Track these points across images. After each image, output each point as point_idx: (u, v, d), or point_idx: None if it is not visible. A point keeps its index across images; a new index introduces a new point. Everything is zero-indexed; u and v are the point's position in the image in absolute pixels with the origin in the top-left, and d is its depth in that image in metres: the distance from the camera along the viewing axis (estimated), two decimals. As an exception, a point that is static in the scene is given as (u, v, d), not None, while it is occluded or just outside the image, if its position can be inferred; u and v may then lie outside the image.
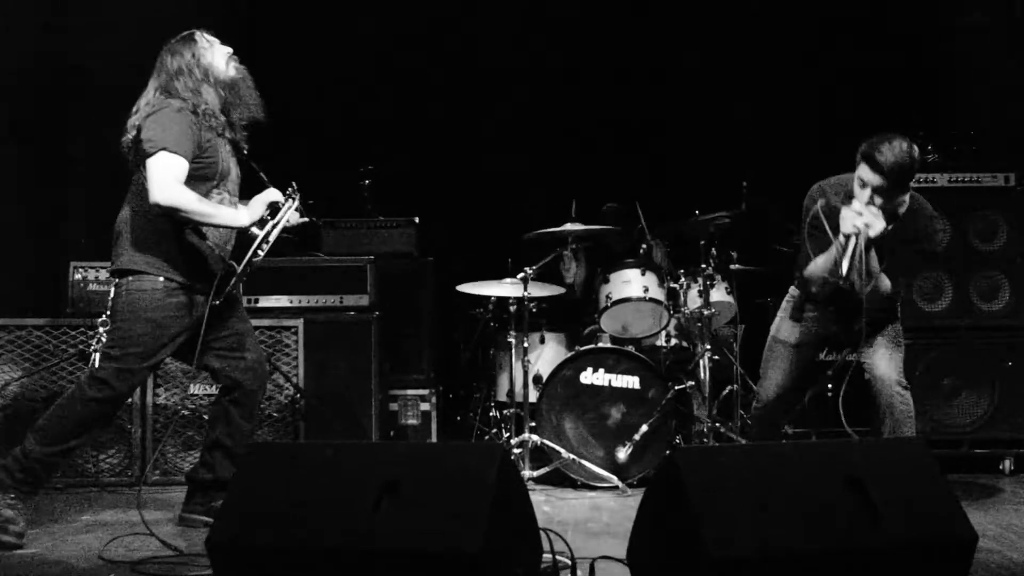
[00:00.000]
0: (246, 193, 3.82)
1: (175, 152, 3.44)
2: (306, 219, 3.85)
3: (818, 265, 3.82)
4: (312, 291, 5.06)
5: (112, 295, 3.62)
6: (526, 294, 4.91)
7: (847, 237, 3.63)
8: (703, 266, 5.09)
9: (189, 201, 3.45)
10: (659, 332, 5.14)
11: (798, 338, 4.01)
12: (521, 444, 4.77)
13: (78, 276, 4.81)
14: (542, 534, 2.83)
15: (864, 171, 3.66)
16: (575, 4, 6.62)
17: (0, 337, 4.68)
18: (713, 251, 5.17)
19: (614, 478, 4.63)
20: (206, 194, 3.57)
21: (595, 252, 5.90)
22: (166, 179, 3.42)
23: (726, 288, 5.24)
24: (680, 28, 6.52)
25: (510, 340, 5.03)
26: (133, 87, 3.74)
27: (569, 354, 4.95)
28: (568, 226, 5.05)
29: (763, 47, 6.40)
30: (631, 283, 5.05)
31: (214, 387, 3.88)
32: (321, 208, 4.94)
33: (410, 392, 5.44)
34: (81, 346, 4.63)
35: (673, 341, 5.19)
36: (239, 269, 3.58)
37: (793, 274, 4.12)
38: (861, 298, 3.69)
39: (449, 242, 6.14)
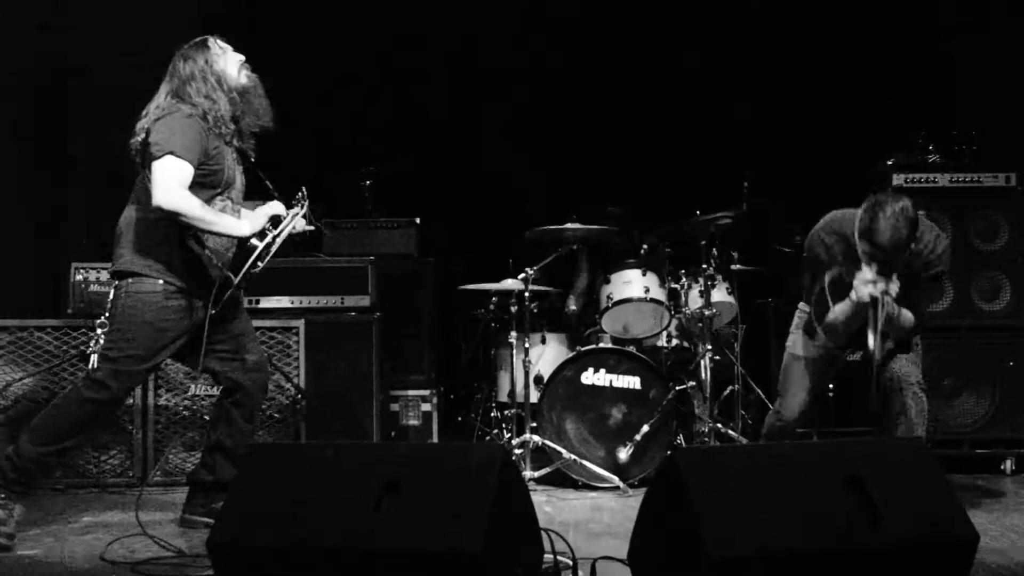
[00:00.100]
0: (252, 197, 3.82)
1: (182, 157, 3.44)
2: (312, 227, 3.86)
3: (839, 320, 3.82)
4: (313, 292, 5.06)
5: (111, 297, 3.62)
6: (527, 294, 4.92)
7: (866, 306, 3.66)
8: (704, 266, 5.09)
9: (192, 207, 3.45)
10: (660, 332, 5.14)
11: (817, 352, 4.03)
12: (522, 444, 4.77)
13: (79, 277, 4.81)
14: (543, 534, 2.83)
15: (865, 246, 3.66)
16: (575, 4, 6.61)
17: (1, 338, 4.67)
18: (714, 251, 5.17)
19: (615, 478, 4.63)
20: (209, 201, 3.57)
21: (596, 255, 5.90)
22: (170, 183, 3.42)
23: (727, 288, 5.24)
24: (680, 28, 6.51)
25: (511, 340, 5.03)
26: (133, 87, 3.75)
27: (570, 354, 4.95)
28: (569, 225, 5.05)
29: (763, 47, 6.39)
30: (632, 283, 5.06)
31: (215, 388, 3.89)
32: (319, 209, 4.95)
33: (411, 393, 5.44)
34: (83, 347, 4.64)
35: (674, 341, 5.20)
36: (236, 280, 3.57)
37: (801, 293, 4.13)
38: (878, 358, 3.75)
39: (450, 242, 6.14)
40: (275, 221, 3.67)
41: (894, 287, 3.66)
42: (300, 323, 4.83)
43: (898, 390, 3.85)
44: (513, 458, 4.48)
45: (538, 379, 5.01)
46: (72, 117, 6.03)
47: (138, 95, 3.69)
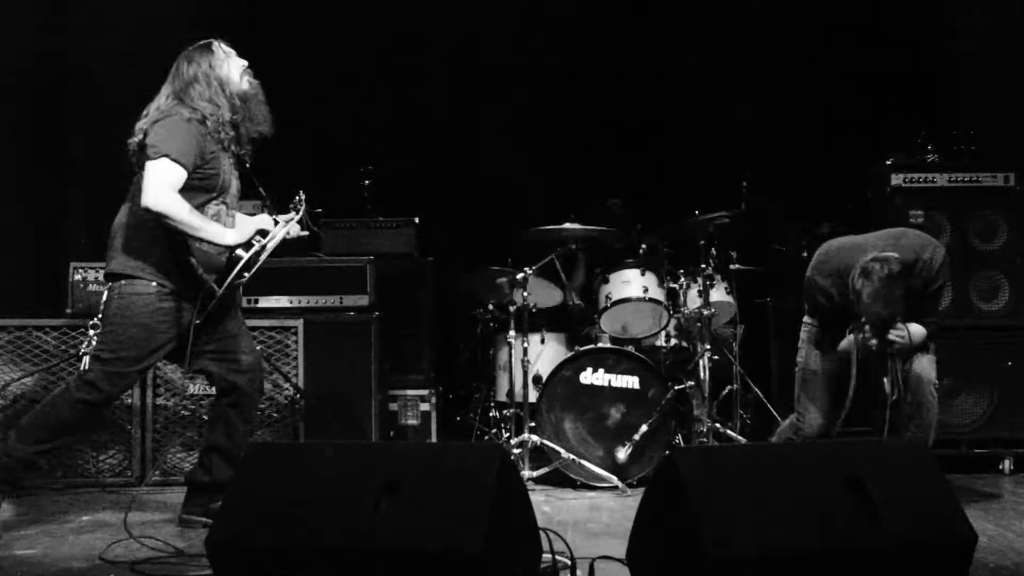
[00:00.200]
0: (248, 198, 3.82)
1: (176, 161, 3.44)
2: (306, 232, 3.86)
3: (849, 351, 3.94)
4: (312, 291, 5.06)
5: (104, 298, 3.62)
6: (526, 294, 4.92)
7: (884, 348, 3.83)
8: (703, 266, 5.09)
9: (180, 210, 3.43)
10: (659, 332, 5.14)
11: (831, 364, 4.07)
12: (521, 444, 4.77)
13: (78, 276, 4.81)
14: (542, 534, 2.84)
15: (864, 315, 3.80)
16: (575, 4, 6.61)
17: (0, 338, 4.68)
18: (713, 251, 5.17)
19: (614, 478, 4.63)
20: (204, 204, 3.56)
21: (594, 253, 5.90)
22: (161, 184, 3.41)
23: (725, 288, 5.25)
24: (680, 28, 6.52)
25: (510, 340, 5.03)
26: (133, 87, 3.75)
27: (569, 354, 4.95)
28: (568, 225, 5.05)
29: (763, 47, 6.39)
30: (631, 283, 5.06)
31: (214, 388, 3.89)
32: (319, 210, 4.96)
33: (410, 392, 5.44)
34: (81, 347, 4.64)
35: (673, 341, 5.20)
36: (219, 291, 3.57)
37: (803, 306, 4.20)
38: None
39: (449, 242, 6.14)
40: (263, 233, 3.67)
41: (895, 332, 3.82)
42: (299, 323, 4.83)
43: (916, 387, 3.95)
44: (512, 458, 4.47)
45: (537, 379, 5.02)
46: (72, 117, 6.03)
47: (138, 95, 3.70)
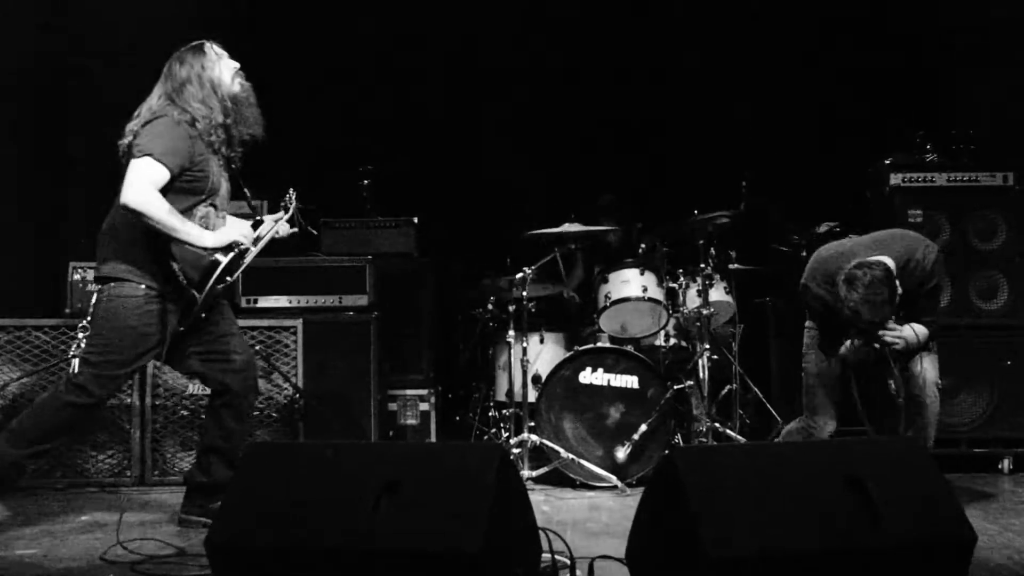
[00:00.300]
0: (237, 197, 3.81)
1: (159, 160, 3.43)
2: (295, 230, 3.85)
3: (851, 353, 3.99)
4: (311, 291, 5.06)
5: (93, 301, 3.61)
6: (525, 294, 4.92)
7: (884, 350, 3.87)
8: (702, 266, 5.09)
9: (158, 209, 3.41)
10: (658, 332, 5.14)
11: (836, 368, 4.09)
12: (520, 444, 4.77)
13: (77, 276, 4.82)
14: (541, 534, 2.83)
15: (854, 322, 3.84)
16: (575, 4, 6.62)
17: (-1, 337, 4.69)
18: (712, 251, 5.17)
19: (613, 478, 4.63)
20: (193, 207, 3.56)
21: (593, 252, 5.90)
22: (141, 182, 3.40)
23: (725, 288, 5.25)
24: (680, 28, 6.52)
25: (509, 340, 5.03)
26: (133, 87, 3.74)
27: (568, 354, 4.95)
28: (567, 226, 5.05)
29: (763, 47, 6.40)
30: (630, 283, 5.06)
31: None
32: (316, 209, 4.95)
33: (409, 392, 5.44)
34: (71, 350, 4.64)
35: (672, 341, 5.19)
36: (200, 298, 3.56)
37: (802, 306, 4.21)
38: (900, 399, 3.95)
39: (449, 242, 6.14)
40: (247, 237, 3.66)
41: (891, 333, 3.87)
42: (298, 322, 4.84)
43: (920, 387, 3.99)
44: (511, 458, 4.47)
45: (536, 378, 5.02)
46: (72, 117, 6.03)
47: (138, 95, 3.69)
